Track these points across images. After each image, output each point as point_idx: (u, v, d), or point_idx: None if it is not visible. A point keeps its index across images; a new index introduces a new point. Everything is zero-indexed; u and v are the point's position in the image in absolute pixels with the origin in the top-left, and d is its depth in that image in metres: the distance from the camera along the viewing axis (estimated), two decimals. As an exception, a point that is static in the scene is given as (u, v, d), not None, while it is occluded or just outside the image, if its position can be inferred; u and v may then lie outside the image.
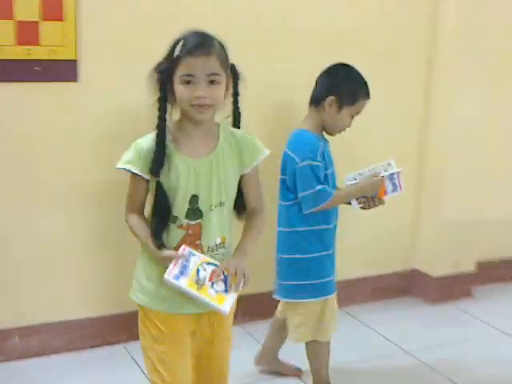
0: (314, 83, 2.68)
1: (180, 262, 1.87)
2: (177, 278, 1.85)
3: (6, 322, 2.96)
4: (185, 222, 1.93)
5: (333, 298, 2.67)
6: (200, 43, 1.85)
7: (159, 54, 2.60)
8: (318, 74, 2.68)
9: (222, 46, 1.91)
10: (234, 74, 1.95)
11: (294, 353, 2.88)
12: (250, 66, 2.03)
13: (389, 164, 2.62)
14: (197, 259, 1.89)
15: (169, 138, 1.91)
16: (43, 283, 3.00)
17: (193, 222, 1.93)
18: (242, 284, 1.89)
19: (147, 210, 1.98)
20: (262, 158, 2.01)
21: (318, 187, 2.50)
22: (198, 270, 1.87)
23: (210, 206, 1.93)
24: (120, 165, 1.92)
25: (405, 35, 3.56)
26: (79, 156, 2.95)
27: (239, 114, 2.02)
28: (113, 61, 2.91)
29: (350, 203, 2.65)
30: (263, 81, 3.08)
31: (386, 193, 2.62)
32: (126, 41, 2.92)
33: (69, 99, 2.87)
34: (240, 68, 1.96)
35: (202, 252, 1.93)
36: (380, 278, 3.79)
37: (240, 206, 2.04)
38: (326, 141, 2.64)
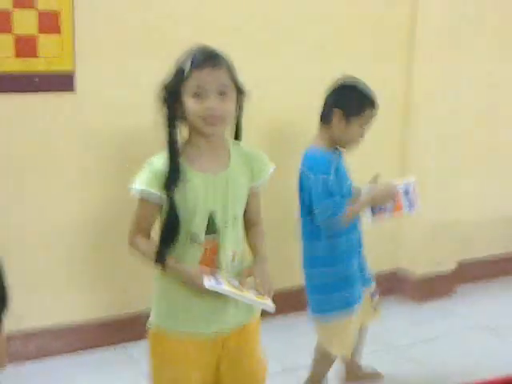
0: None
1: (210, 275, 1.85)
2: (217, 284, 1.82)
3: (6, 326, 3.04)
4: (203, 238, 1.89)
5: (355, 317, 2.70)
6: (208, 56, 1.86)
7: (153, 65, 2.74)
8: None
9: (229, 61, 1.91)
10: (238, 89, 1.93)
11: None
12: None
13: (408, 181, 2.68)
14: (221, 274, 1.89)
15: (181, 156, 1.88)
16: (42, 287, 3.08)
17: (210, 238, 1.90)
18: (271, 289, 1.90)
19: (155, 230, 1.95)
20: (269, 172, 2.02)
21: (331, 201, 2.53)
22: (228, 280, 1.87)
23: (226, 221, 1.91)
24: (137, 186, 1.88)
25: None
26: (78, 165, 3.04)
27: (241, 128, 2.00)
28: (109, 72, 3.01)
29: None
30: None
31: (401, 210, 2.66)
32: (121, 52, 3.02)
33: (66, 109, 2.96)
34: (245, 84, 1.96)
35: (218, 267, 1.91)
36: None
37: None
38: (339, 155, 2.67)
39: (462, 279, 4.10)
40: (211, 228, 1.90)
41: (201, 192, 1.87)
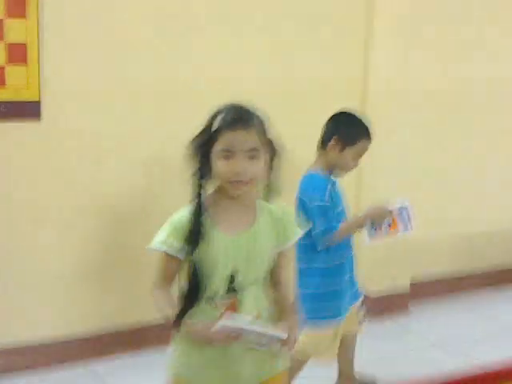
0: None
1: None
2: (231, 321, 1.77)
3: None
4: (220, 301, 1.85)
5: (334, 329, 2.85)
6: (239, 117, 1.80)
7: (118, 95, 2.89)
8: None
9: (262, 120, 1.85)
10: (271, 149, 1.87)
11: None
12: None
13: (403, 203, 2.80)
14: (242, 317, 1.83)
15: (205, 213, 1.84)
16: (14, 305, 3.19)
17: (227, 300, 1.85)
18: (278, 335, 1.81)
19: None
20: (297, 238, 1.97)
21: (324, 227, 2.70)
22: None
23: (248, 282, 1.86)
24: (155, 245, 1.84)
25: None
26: (44, 190, 3.17)
27: (274, 188, 1.92)
28: (73, 100, 3.14)
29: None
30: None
31: (397, 231, 2.79)
32: (86, 81, 3.15)
33: (32, 137, 3.09)
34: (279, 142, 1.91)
35: None
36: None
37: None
38: (334, 180, 2.82)
39: (416, 297, 4.26)
40: (231, 289, 1.85)
41: (221, 254, 1.82)
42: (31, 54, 2.98)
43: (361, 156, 2.82)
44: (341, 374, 3.15)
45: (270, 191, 1.91)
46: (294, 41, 3.65)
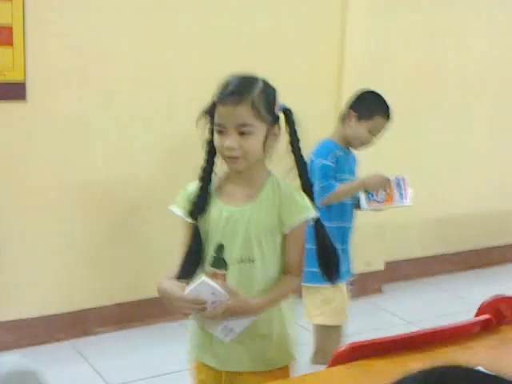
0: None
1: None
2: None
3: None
4: (211, 269, 1.81)
5: (343, 287, 2.95)
6: (232, 91, 1.74)
7: (100, 75, 2.95)
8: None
9: (266, 92, 1.78)
10: (288, 121, 1.82)
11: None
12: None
13: (404, 176, 2.92)
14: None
15: (213, 184, 1.85)
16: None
17: (219, 272, 1.80)
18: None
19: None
20: (303, 219, 1.82)
21: (325, 183, 2.82)
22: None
23: (236, 258, 1.80)
24: (172, 208, 1.88)
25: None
26: (30, 170, 3.24)
27: (303, 163, 1.87)
28: (57, 82, 3.22)
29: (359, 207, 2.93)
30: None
31: (392, 200, 2.90)
32: (70, 64, 3.23)
33: (17, 117, 3.17)
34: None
35: None
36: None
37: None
38: (347, 153, 2.95)
39: (390, 278, 4.40)
40: (218, 262, 1.81)
41: (213, 221, 1.81)
42: (17, 36, 3.06)
43: (377, 132, 2.92)
44: (317, 350, 3.25)
45: (298, 167, 1.86)
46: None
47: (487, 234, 4.82)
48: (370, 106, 2.91)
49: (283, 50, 3.78)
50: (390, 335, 1.67)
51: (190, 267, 1.82)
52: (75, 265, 3.41)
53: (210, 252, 1.81)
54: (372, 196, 2.92)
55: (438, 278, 4.59)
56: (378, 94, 2.98)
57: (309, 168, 2.80)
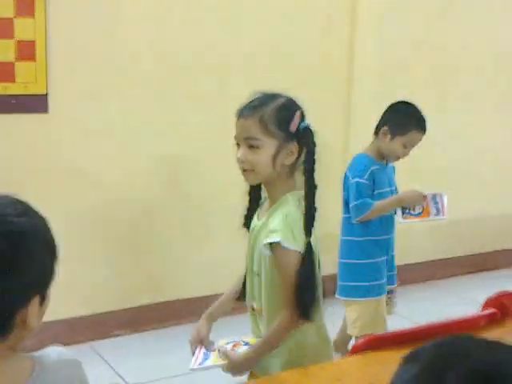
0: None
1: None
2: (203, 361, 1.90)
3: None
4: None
5: (383, 298, 3.03)
6: (247, 106, 1.82)
7: (119, 90, 3.07)
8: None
9: (283, 109, 1.82)
10: (306, 141, 1.83)
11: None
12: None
13: (441, 193, 2.98)
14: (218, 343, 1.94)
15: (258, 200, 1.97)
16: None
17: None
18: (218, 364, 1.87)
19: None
20: (266, 242, 1.81)
21: (360, 201, 2.87)
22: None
23: (250, 269, 1.93)
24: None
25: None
26: (51, 181, 3.37)
27: (310, 187, 1.84)
28: (79, 95, 3.35)
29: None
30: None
31: (428, 214, 2.96)
32: (90, 77, 3.37)
33: (40, 128, 3.30)
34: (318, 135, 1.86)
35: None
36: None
37: None
38: (383, 166, 2.98)
39: (399, 281, 4.47)
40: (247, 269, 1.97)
41: (248, 235, 1.96)
42: (39, 50, 3.19)
43: (412, 146, 2.94)
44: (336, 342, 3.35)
45: (306, 188, 1.85)
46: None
47: (494, 238, 4.91)
48: (403, 121, 2.91)
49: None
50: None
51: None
52: (94, 269, 3.52)
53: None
54: (408, 210, 2.98)
55: (446, 281, 4.68)
56: (411, 106, 2.96)
57: (344, 185, 2.95)
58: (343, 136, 4.13)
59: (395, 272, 3.17)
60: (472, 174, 4.70)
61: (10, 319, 1.13)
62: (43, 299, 1.20)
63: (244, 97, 1.89)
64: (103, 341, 3.56)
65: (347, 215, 2.98)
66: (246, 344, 1.88)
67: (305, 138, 1.84)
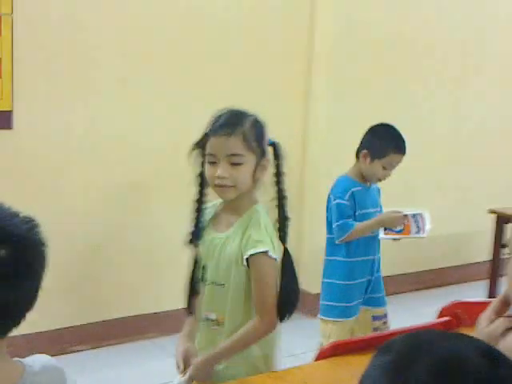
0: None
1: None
2: None
3: None
4: (200, 287, 2.01)
5: (347, 322, 3.08)
6: (225, 123, 1.86)
7: (84, 106, 3.12)
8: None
9: (256, 126, 1.90)
10: (275, 154, 1.93)
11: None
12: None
13: (421, 212, 3.04)
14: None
15: (212, 211, 2.00)
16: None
17: (202, 288, 2.01)
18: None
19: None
20: (253, 252, 1.87)
21: (341, 222, 2.95)
22: None
23: (210, 280, 1.96)
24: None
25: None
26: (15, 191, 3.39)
27: (282, 196, 1.94)
28: (43, 111, 3.40)
29: None
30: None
31: (409, 233, 3.02)
32: (55, 94, 3.43)
33: (4, 144, 3.34)
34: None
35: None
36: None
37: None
38: (366, 187, 3.05)
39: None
40: (203, 281, 1.99)
41: (203, 246, 1.98)
42: (5, 67, 3.24)
43: (392, 167, 3.01)
44: None
45: (278, 198, 1.94)
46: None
47: (443, 255, 5.09)
48: (382, 144, 2.97)
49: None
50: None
51: (192, 287, 2.01)
52: (52, 286, 3.53)
53: (200, 272, 2.00)
54: (390, 229, 3.05)
55: (397, 297, 4.83)
56: (390, 128, 3.03)
57: (327, 206, 3.03)
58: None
59: (383, 293, 3.22)
60: (421, 198, 4.87)
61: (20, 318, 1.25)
62: None
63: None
64: (61, 356, 3.57)
65: (331, 235, 3.06)
66: None
67: (275, 152, 1.94)
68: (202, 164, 1.93)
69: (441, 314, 2.11)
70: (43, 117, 3.41)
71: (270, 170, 1.95)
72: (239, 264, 1.90)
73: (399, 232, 3.06)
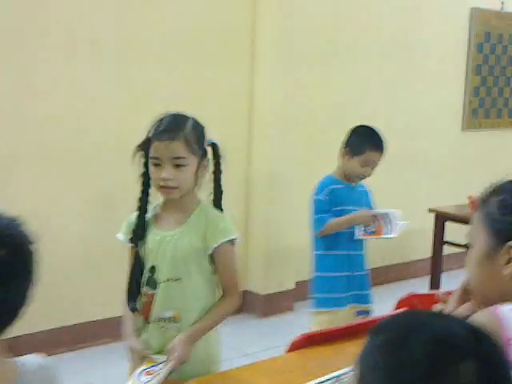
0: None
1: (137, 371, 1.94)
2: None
3: None
4: (145, 289, 2.03)
5: (341, 311, 3.16)
6: (167, 128, 1.94)
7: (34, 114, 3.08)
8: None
9: (197, 129, 2.00)
10: (214, 154, 2.05)
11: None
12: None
13: (394, 213, 3.15)
14: (148, 363, 1.95)
15: (151, 212, 2.05)
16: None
17: (149, 292, 2.02)
18: (167, 368, 1.89)
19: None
20: (224, 240, 2.00)
21: (316, 216, 3.11)
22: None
23: (164, 277, 2.00)
24: (118, 236, 2.10)
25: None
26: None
27: (220, 192, 2.09)
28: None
29: None
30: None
31: (381, 233, 3.13)
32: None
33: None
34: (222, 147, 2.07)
35: (150, 322, 2.03)
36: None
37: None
38: (349, 186, 3.18)
39: (300, 297, 4.71)
40: (152, 282, 2.02)
41: (148, 246, 2.03)
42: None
43: (370, 166, 3.14)
44: None
45: (216, 194, 2.09)
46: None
47: (384, 255, 5.23)
48: (360, 142, 3.12)
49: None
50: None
51: (133, 288, 2.04)
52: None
53: (146, 274, 2.03)
54: (365, 228, 3.16)
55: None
56: (369, 129, 3.19)
57: (310, 203, 3.14)
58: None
59: (369, 291, 3.31)
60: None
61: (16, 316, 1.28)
62: None
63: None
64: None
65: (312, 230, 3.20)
66: (158, 365, 1.92)
67: (214, 152, 2.07)
68: (145, 164, 2.01)
69: (398, 306, 2.21)
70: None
71: (210, 168, 2.07)
72: (200, 256, 2.01)
73: (372, 233, 3.17)
